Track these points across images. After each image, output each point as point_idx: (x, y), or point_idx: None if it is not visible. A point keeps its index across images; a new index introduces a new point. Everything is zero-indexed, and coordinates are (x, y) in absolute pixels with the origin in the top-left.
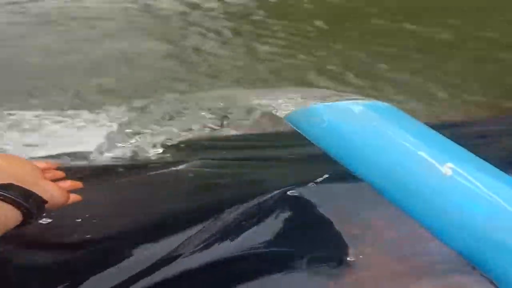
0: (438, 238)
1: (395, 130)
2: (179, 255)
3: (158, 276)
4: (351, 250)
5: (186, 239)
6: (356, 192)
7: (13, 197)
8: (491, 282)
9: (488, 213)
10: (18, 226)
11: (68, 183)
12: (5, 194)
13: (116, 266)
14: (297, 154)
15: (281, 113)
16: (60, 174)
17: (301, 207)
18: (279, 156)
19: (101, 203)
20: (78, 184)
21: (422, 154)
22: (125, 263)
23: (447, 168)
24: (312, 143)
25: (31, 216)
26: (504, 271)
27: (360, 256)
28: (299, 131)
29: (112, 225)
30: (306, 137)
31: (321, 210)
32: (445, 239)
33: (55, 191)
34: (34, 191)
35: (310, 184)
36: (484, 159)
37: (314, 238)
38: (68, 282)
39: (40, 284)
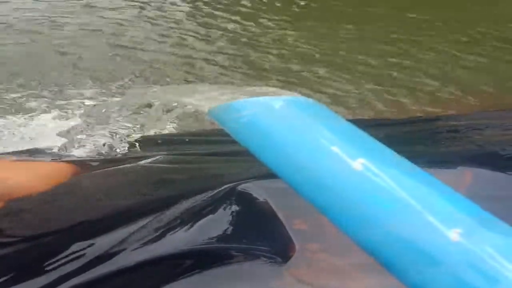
0: (346, 234)
1: (312, 126)
2: (116, 252)
3: (90, 274)
4: (296, 246)
5: (127, 236)
6: None
7: None
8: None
9: (393, 208)
10: None
11: None
12: None
13: (49, 262)
14: None
15: (203, 109)
16: None
17: (250, 202)
18: (241, 151)
19: (51, 198)
20: None
21: (336, 150)
22: (59, 259)
23: (358, 164)
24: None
25: None
26: (405, 268)
27: (304, 252)
28: (222, 127)
29: (53, 222)
30: (228, 133)
31: (270, 205)
32: (351, 235)
33: None
34: None
35: (262, 180)
36: (452, 153)
37: (259, 234)
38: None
39: None
